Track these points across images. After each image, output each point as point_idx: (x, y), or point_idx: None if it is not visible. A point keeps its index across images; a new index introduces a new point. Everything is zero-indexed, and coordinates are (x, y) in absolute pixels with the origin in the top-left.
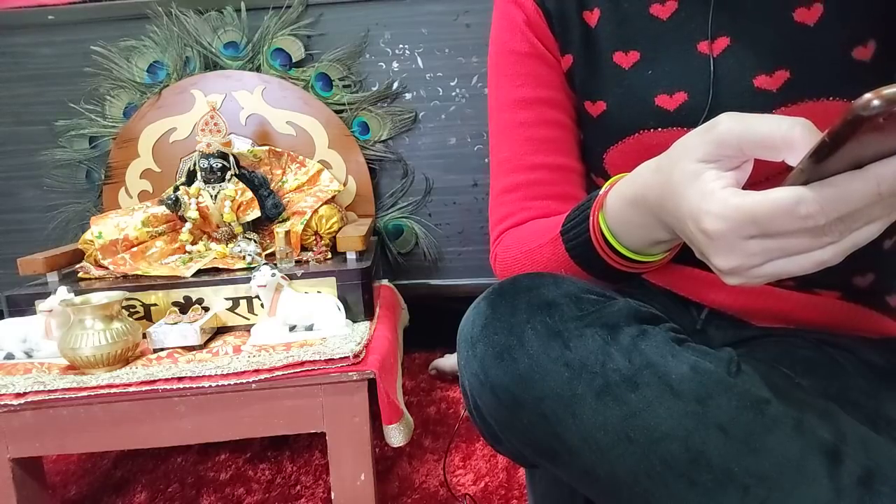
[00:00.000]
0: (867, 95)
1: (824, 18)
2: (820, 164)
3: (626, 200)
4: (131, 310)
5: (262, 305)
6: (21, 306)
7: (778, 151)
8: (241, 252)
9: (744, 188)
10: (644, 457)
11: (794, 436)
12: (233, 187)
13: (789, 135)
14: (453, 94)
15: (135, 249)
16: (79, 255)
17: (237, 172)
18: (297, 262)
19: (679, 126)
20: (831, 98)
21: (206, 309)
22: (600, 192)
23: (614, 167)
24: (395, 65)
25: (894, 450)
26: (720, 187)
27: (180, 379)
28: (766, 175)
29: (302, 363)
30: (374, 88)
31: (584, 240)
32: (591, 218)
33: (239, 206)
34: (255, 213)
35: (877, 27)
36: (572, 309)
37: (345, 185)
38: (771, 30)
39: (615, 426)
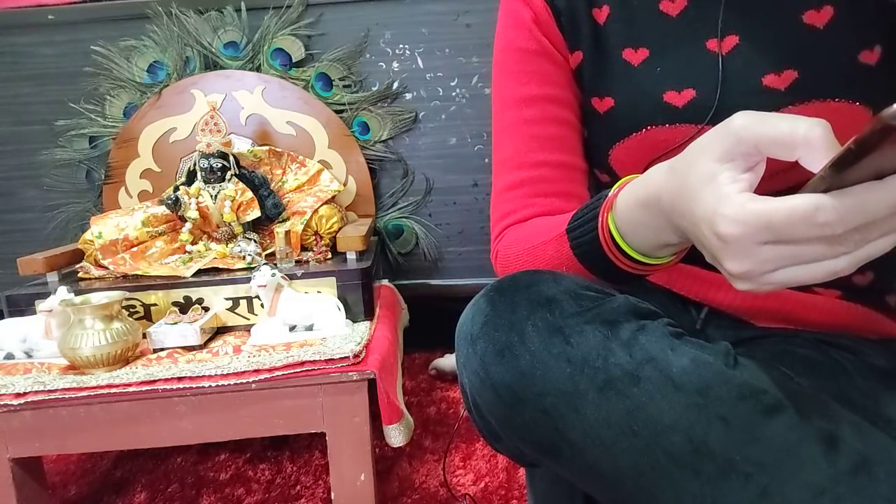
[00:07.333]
0: None
1: (834, 21)
2: (842, 173)
3: (637, 202)
4: (131, 310)
5: (262, 305)
6: (21, 306)
7: (794, 150)
8: (241, 252)
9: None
10: (648, 449)
11: (792, 424)
12: (233, 187)
13: (810, 134)
14: (453, 94)
15: (135, 249)
16: (79, 255)
17: (237, 172)
18: (297, 262)
19: (687, 122)
20: (837, 99)
21: (206, 309)
22: (609, 194)
23: (620, 163)
24: (395, 65)
25: (887, 438)
26: (736, 191)
27: (180, 379)
28: (770, 172)
29: (302, 363)
30: (375, 88)
31: (590, 238)
32: (600, 218)
33: (239, 206)
34: (255, 213)
35: (884, 33)
36: (572, 305)
37: (345, 185)
38: (780, 30)
39: (619, 420)
